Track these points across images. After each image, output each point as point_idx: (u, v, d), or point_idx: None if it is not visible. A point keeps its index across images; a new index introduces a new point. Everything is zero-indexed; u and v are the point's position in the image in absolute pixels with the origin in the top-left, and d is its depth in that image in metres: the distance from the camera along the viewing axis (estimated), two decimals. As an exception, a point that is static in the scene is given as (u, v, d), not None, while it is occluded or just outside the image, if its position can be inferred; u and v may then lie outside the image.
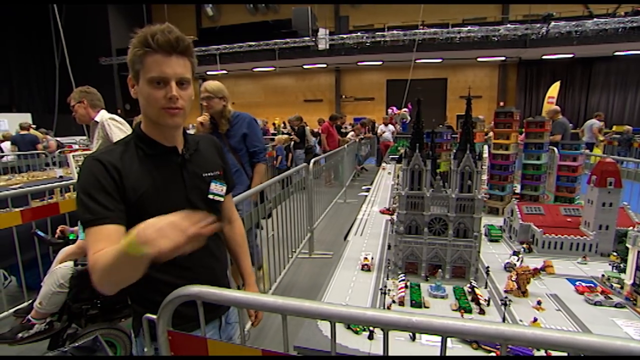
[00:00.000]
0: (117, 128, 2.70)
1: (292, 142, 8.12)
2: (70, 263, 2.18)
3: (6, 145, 8.84)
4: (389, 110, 11.74)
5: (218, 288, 0.98)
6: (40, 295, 2.13)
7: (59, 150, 8.57)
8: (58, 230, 2.52)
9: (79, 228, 2.50)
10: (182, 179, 1.08)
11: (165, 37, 0.95)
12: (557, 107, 7.40)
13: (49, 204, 3.14)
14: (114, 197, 0.96)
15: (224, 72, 18.69)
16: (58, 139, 10.42)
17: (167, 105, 0.99)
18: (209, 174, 1.16)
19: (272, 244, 3.32)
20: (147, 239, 0.74)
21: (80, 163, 4.09)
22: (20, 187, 3.78)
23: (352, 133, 10.14)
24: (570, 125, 7.20)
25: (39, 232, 2.58)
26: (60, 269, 2.14)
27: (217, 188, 1.17)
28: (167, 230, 0.75)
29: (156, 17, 20.01)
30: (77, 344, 1.30)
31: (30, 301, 2.33)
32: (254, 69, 19.19)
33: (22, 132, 8.42)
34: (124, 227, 0.96)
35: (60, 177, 5.46)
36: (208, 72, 19.05)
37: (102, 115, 2.84)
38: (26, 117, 15.10)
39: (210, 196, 1.16)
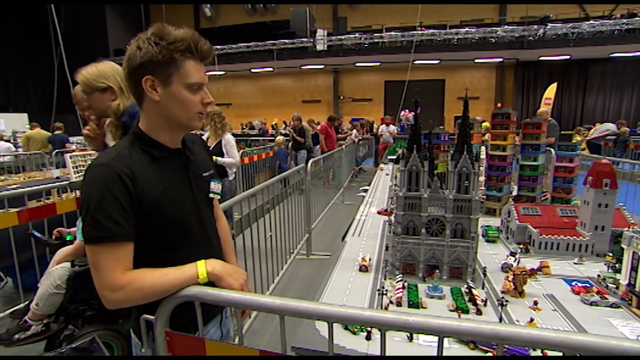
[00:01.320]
0: None
1: (291, 143, 7.97)
2: (68, 264, 2.16)
3: (1, 145, 8.81)
4: (402, 113, 11.79)
5: (215, 288, 0.98)
6: (37, 297, 2.11)
7: (56, 151, 8.53)
8: (55, 232, 2.50)
9: (78, 228, 2.48)
10: (188, 180, 1.09)
11: (207, 47, 1.02)
12: (546, 109, 7.46)
13: (45, 204, 3.13)
14: (127, 211, 0.93)
15: (222, 72, 18.66)
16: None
17: (202, 110, 1.05)
18: (206, 173, 1.17)
19: (270, 245, 3.32)
20: (221, 276, 1.00)
21: (77, 164, 4.03)
22: (19, 187, 3.77)
23: (354, 132, 10.13)
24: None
25: (36, 233, 2.55)
26: (57, 270, 2.12)
27: (216, 187, 1.19)
28: (235, 273, 1.03)
29: (154, 18, 19.96)
30: (74, 345, 1.30)
31: (27, 302, 2.32)
32: (252, 70, 19.15)
33: (56, 132, 8.65)
34: (133, 243, 0.96)
35: (57, 177, 5.43)
36: (206, 73, 18.93)
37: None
38: (23, 118, 15.03)
39: (211, 195, 1.18)
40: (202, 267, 1.00)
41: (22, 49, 18.14)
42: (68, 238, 2.44)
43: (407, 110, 11.74)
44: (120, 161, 0.95)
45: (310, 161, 4.53)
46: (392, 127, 10.31)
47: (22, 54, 18.25)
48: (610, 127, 9.71)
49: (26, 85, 18.82)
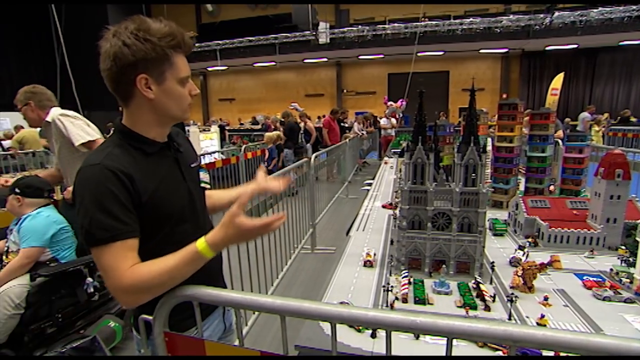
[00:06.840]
0: (71, 123, 2.51)
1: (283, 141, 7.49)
2: (23, 279, 2.00)
3: (6, 143, 8.87)
4: (389, 103, 11.36)
5: (214, 288, 0.96)
6: None
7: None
8: None
9: (20, 237, 2.16)
10: (180, 172, 1.10)
11: (190, 41, 1.03)
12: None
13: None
14: (128, 209, 0.92)
15: (225, 67, 18.60)
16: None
17: (190, 102, 1.07)
18: (194, 164, 1.19)
19: (274, 240, 3.30)
20: (226, 242, 0.93)
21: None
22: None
23: (356, 125, 10.00)
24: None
25: None
26: (12, 289, 1.95)
27: (205, 177, 1.21)
28: (244, 233, 0.93)
29: (155, 14, 19.84)
30: (74, 345, 1.28)
31: None
32: (255, 64, 19.05)
33: None
34: (138, 239, 0.94)
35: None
36: (209, 68, 18.93)
37: (53, 114, 2.59)
38: (28, 116, 15.09)
39: (202, 184, 1.19)
40: (200, 241, 0.94)
41: (26, 48, 18.23)
42: None
43: (385, 98, 11.44)
44: (113, 159, 0.93)
45: (314, 155, 4.49)
46: (393, 120, 10.20)
47: (26, 54, 18.35)
48: (587, 116, 10.06)
49: (30, 84, 18.95)
